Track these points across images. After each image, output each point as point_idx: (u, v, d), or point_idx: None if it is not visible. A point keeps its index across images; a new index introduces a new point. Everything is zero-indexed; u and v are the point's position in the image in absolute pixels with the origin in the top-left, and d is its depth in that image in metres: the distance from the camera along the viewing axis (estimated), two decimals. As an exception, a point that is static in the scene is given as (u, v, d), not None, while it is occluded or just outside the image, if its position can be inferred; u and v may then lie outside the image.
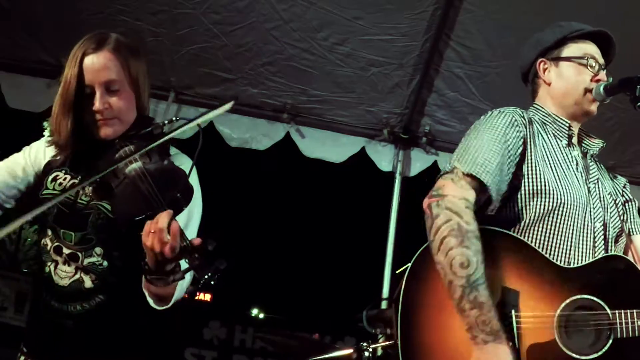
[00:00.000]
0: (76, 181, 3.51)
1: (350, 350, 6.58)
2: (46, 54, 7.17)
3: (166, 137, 3.10)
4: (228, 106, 3.21)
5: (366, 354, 6.35)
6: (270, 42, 6.95)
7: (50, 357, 3.56)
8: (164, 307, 3.35)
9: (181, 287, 3.30)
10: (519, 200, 3.45)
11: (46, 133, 3.71)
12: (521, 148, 3.49)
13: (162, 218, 2.84)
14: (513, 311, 3.15)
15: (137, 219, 2.97)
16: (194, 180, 3.42)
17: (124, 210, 3.09)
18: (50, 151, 3.66)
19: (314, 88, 7.60)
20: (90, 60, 3.44)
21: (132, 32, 6.75)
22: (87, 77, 3.42)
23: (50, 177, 3.57)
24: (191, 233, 3.42)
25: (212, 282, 2.94)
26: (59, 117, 3.55)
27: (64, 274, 3.47)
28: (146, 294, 3.29)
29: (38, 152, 3.73)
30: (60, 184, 3.54)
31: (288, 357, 13.65)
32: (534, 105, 3.84)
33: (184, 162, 3.55)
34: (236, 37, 6.92)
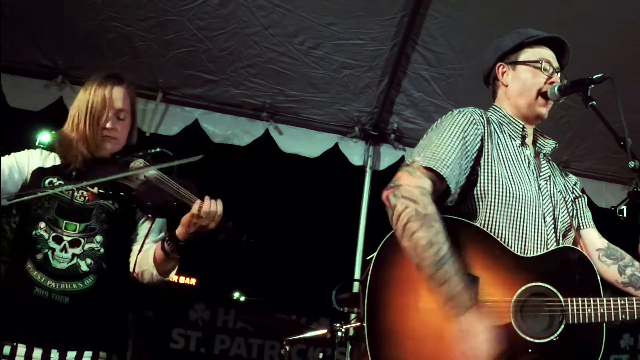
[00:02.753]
0: (70, 186, 3.96)
1: (324, 330, 6.61)
2: (44, 57, 7.17)
3: (165, 165, 3.89)
4: (198, 158, 3.92)
5: (339, 333, 6.36)
6: (250, 46, 6.94)
7: (48, 331, 3.81)
8: (168, 278, 4.20)
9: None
10: (476, 194, 3.45)
11: (42, 145, 4.26)
12: (479, 145, 3.49)
13: (214, 202, 3.94)
14: (472, 295, 3.13)
15: (174, 204, 3.90)
16: None
17: (155, 201, 3.87)
18: (39, 161, 4.12)
19: (291, 88, 7.60)
20: (112, 91, 4.10)
21: (123, 37, 6.77)
22: (107, 103, 4.06)
23: (47, 181, 4.02)
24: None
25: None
26: (74, 134, 4.06)
27: (61, 259, 3.87)
28: (155, 269, 4.11)
29: (21, 160, 4.10)
30: (56, 186, 4.00)
31: (267, 336, 13.73)
32: (493, 106, 3.84)
33: None
34: (219, 42, 6.90)
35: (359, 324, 6.31)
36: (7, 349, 3.76)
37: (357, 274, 7.85)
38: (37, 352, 3.78)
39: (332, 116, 8.03)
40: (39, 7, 6.49)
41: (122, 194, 3.90)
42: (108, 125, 4.05)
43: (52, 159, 4.14)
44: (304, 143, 8.11)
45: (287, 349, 6.93)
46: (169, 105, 7.65)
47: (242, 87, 7.55)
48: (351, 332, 6.43)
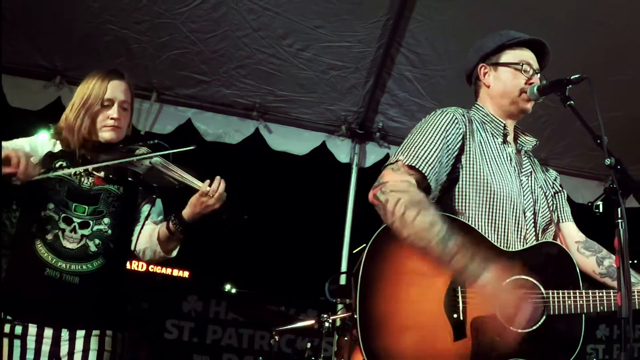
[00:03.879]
0: (78, 171, 4.06)
1: (312, 321, 6.61)
2: (43, 59, 7.18)
3: (166, 152, 4.06)
4: (191, 148, 4.11)
5: (326, 324, 6.37)
6: (241, 48, 6.94)
7: (59, 311, 3.86)
8: (165, 258, 4.34)
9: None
10: (458, 190, 3.45)
11: (49, 133, 4.24)
12: (460, 143, 3.49)
13: (221, 183, 4.06)
14: (460, 287, 3.15)
15: (177, 186, 4.05)
16: None
17: (160, 183, 4.03)
18: (49, 146, 4.16)
19: (280, 89, 7.61)
20: (116, 84, 4.20)
21: (119, 40, 6.76)
22: (111, 94, 4.15)
23: (57, 164, 4.05)
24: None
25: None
26: (79, 120, 4.11)
27: (71, 239, 3.93)
28: (160, 247, 4.23)
29: (34, 144, 4.15)
30: (65, 170, 4.03)
31: (257, 327, 13.72)
32: (476, 105, 3.84)
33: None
34: (211, 44, 6.90)
35: (346, 315, 6.31)
36: (18, 329, 3.78)
37: (344, 267, 7.85)
38: (48, 332, 3.83)
39: (320, 115, 8.06)
40: (39, 11, 6.49)
41: (129, 179, 4.02)
42: (115, 115, 4.12)
43: (58, 145, 4.17)
44: (292, 141, 8.15)
45: (277, 339, 6.96)
46: (163, 105, 7.66)
47: (233, 87, 7.56)
48: (338, 323, 6.43)
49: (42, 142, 4.19)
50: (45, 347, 3.82)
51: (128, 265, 4.55)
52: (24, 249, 3.95)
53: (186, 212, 4.07)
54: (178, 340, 13.31)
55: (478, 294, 3.15)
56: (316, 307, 12.08)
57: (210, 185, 4.02)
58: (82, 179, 4.08)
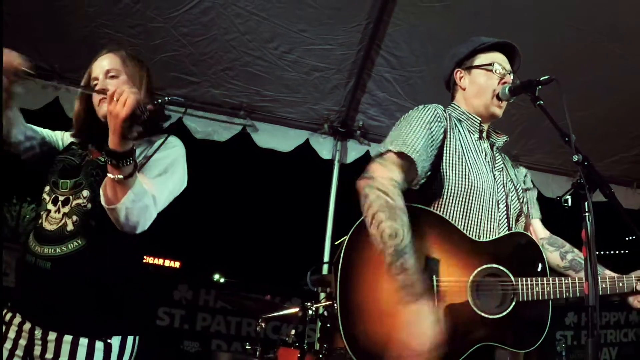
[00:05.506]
0: (84, 152, 3.63)
1: (296, 309, 6.60)
2: (42, 61, 7.16)
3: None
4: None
5: (310, 312, 6.36)
6: (229, 51, 6.93)
7: (29, 298, 3.39)
8: (113, 207, 3.19)
9: (132, 202, 3.22)
10: (437, 181, 3.47)
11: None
12: (442, 136, 3.52)
13: (122, 88, 3.12)
14: (434, 276, 3.17)
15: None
16: (182, 163, 3.73)
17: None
18: (68, 138, 3.82)
19: (266, 89, 7.62)
20: (99, 59, 3.79)
21: (114, 43, 6.71)
22: (95, 71, 3.73)
23: (65, 149, 3.72)
24: (161, 187, 3.49)
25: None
26: (77, 106, 3.79)
27: (53, 220, 3.40)
28: (102, 192, 3.22)
29: (58, 135, 3.88)
30: (72, 153, 3.66)
31: (245, 314, 13.70)
32: (452, 104, 3.87)
33: (176, 144, 3.80)
34: (201, 47, 6.90)
35: (328, 303, 6.31)
36: (8, 316, 3.40)
37: (326, 258, 7.86)
38: (27, 326, 3.35)
39: (304, 114, 8.07)
40: (38, 15, 6.49)
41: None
42: (98, 86, 3.61)
43: (69, 138, 3.83)
44: (278, 139, 8.15)
45: (263, 326, 6.95)
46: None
47: (222, 88, 7.56)
48: (321, 311, 6.43)
49: (66, 136, 3.89)
50: (22, 342, 3.33)
51: (138, 257, 3.75)
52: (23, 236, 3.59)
53: (109, 139, 3.10)
54: (169, 326, 13.30)
55: (451, 282, 3.18)
56: (300, 296, 12.06)
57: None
58: (85, 158, 3.60)
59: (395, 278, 2.97)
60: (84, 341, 3.30)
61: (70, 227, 3.37)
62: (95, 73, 3.73)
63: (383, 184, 3.21)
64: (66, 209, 3.42)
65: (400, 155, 3.31)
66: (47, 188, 3.55)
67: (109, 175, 3.14)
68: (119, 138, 3.08)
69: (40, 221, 3.47)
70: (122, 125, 3.06)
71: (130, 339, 3.53)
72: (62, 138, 3.90)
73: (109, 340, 3.40)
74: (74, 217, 3.39)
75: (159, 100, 3.45)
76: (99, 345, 3.34)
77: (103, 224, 3.32)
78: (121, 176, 3.14)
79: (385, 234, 3.03)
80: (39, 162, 3.73)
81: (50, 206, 3.47)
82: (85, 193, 3.43)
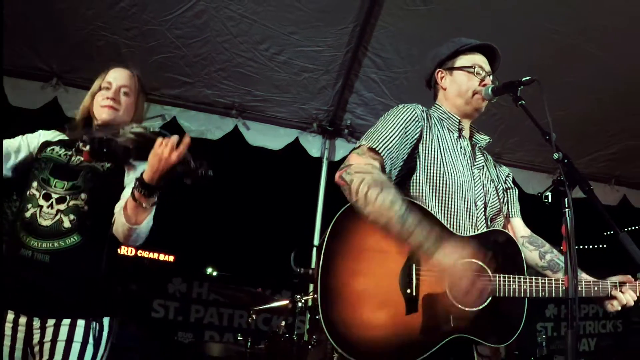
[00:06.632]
0: (70, 152, 3.88)
1: (286, 301, 6.62)
2: (41, 62, 7.17)
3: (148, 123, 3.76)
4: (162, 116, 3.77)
5: (299, 304, 6.37)
6: (221, 52, 6.93)
7: (27, 290, 3.57)
8: (134, 227, 3.56)
9: (147, 225, 3.63)
10: (415, 178, 3.48)
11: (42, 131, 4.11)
12: (418, 135, 3.52)
13: (174, 137, 3.43)
14: (414, 265, 3.18)
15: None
16: None
17: (140, 148, 3.49)
18: (49, 137, 4.01)
19: (257, 89, 7.62)
20: (117, 70, 4.07)
21: (110, 45, 6.75)
22: (111, 77, 4.01)
23: (48, 149, 3.88)
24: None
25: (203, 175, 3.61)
26: (83, 102, 4.04)
27: (47, 216, 3.62)
28: (123, 216, 3.55)
29: (31, 138, 4.00)
30: (57, 152, 3.88)
31: (237, 306, 13.69)
32: (435, 105, 3.88)
33: None
34: (194, 49, 6.89)
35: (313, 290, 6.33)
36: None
37: (314, 253, 7.87)
38: (23, 319, 3.56)
39: (294, 114, 8.09)
40: (37, 18, 6.48)
41: (104, 150, 3.59)
42: (111, 95, 3.92)
43: (62, 137, 4.04)
44: (268, 137, 8.16)
45: (254, 318, 7.00)
46: (150, 104, 7.57)
47: (215, 88, 7.56)
48: (310, 303, 6.44)
49: (42, 134, 4.05)
50: (20, 335, 3.56)
51: (117, 251, 3.98)
52: (10, 231, 3.70)
53: (146, 173, 3.47)
54: (164, 318, 13.35)
55: (431, 272, 3.19)
56: (290, 289, 12.08)
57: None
58: (73, 158, 3.86)
59: (412, 238, 3.06)
60: (81, 322, 3.61)
61: (67, 224, 3.64)
62: (110, 79, 4.00)
63: (361, 166, 3.26)
64: (62, 207, 3.67)
65: (371, 150, 3.34)
66: (34, 184, 3.75)
67: (138, 201, 3.49)
68: (159, 176, 3.45)
69: (27, 215, 3.65)
70: (166, 168, 3.42)
71: (112, 319, 3.84)
72: (37, 138, 4.05)
73: (102, 321, 3.74)
74: (71, 216, 3.66)
75: (198, 163, 3.63)
76: (94, 325, 3.66)
77: (97, 223, 3.72)
78: (147, 205, 3.53)
79: (385, 206, 3.09)
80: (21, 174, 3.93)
81: (41, 202, 3.68)
82: (84, 196, 3.73)
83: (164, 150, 3.39)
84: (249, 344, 6.73)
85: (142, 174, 3.51)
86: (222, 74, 7.35)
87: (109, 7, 6.38)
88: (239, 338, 7.46)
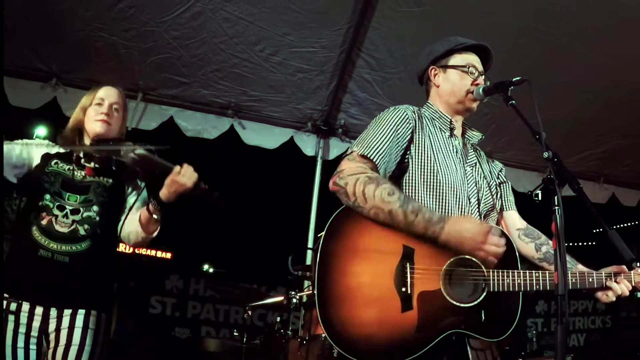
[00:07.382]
0: (71, 167, 4.21)
1: (281, 298, 6.61)
2: (40, 62, 7.16)
3: (148, 147, 4.17)
4: (167, 146, 4.22)
5: (294, 300, 6.37)
6: (218, 53, 6.94)
7: (48, 290, 3.93)
8: (148, 237, 4.30)
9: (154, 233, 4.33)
10: (407, 178, 3.46)
11: (39, 139, 4.47)
12: (409, 136, 3.51)
13: (190, 167, 4.12)
14: (409, 264, 3.17)
15: (157, 172, 4.15)
16: None
17: (143, 169, 4.25)
18: (46, 149, 4.29)
19: (253, 90, 7.62)
20: (108, 88, 4.40)
21: (109, 46, 6.76)
22: (103, 94, 4.35)
23: (52, 162, 4.18)
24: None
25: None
26: (75, 116, 4.36)
27: (63, 224, 4.01)
28: (140, 227, 4.23)
29: (31, 146, 4.30)
30: (61, 167, 4.19)
31: (232, 303, 13.70)
32: (427, 103, 3.85)
33: None
34: (191, 49, 6.89)
35: (311, 291, 6.32)
36: (13, 306, 3.85)
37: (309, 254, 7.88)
38: (39, 310, 3.90)
39: (288, 113, 8.08)
40: (36, 19, 6.47)
41: (113, 167, 4.26)
42: (104, 110, 4.26)
43: (56, 148, 4.29)
44: (264, 136, 8.16)
45: (249, 313, 6.99)
46: (148, 104, 7.63)
47: (211, 88, 7.55)
48: (304, 299, 6.44)
49: (40, 144, 4.33)
50: (36, 324, 3.89)
51: (117, 249, 4.57)
52: (22, 234, 4.01)
53: (163, 193, 4.12)
54: (161, 314, 13.37)
55: (425, 270, 3.18)
56: (285, 285, 12.09)
57: (182, 166, 4.13)
58: (75, 172, 4.19)
59: (416, 223, 3.13)
60: (94, 312, 4.06)
61: (82, 232, 4.05)
62: (102, 95, 4.35)
63: (353, 169, 3.28)
64: (76, 217, 4.07)
65: (363, 157, 3.35)
66: (47, 196, 4.07)
67: (153, 215, 4.16)
68: (174, 197, 4.13)
69: (44, 223, 4.00)
70: (181, 191, 4.10)
71: (113, 311, 4.47)
72: (36, 148, 4.32)
73: (109, 311, 4.24)
74: (86, 225, 4.07)
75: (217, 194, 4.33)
76: (103, 315, 4.14)
77: (106, 231, 4.19)
78: (159, 217, 4.19)
79: (385, 197, 3.14)
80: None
81: (56, 211, 4.03)
82: (95, 208, 4.14)
83: (185, 180, 4.08)
84: (244, 339, 6.73)
85: (158, 194, 4.14)
86: (219, 74, 7.34)
87: (107, 9, 6.37)
88: (235, 333, 7.48)
